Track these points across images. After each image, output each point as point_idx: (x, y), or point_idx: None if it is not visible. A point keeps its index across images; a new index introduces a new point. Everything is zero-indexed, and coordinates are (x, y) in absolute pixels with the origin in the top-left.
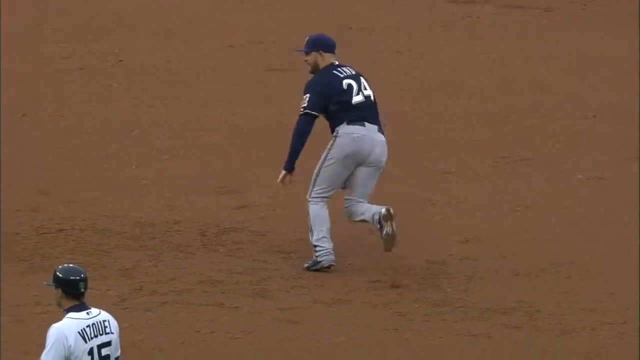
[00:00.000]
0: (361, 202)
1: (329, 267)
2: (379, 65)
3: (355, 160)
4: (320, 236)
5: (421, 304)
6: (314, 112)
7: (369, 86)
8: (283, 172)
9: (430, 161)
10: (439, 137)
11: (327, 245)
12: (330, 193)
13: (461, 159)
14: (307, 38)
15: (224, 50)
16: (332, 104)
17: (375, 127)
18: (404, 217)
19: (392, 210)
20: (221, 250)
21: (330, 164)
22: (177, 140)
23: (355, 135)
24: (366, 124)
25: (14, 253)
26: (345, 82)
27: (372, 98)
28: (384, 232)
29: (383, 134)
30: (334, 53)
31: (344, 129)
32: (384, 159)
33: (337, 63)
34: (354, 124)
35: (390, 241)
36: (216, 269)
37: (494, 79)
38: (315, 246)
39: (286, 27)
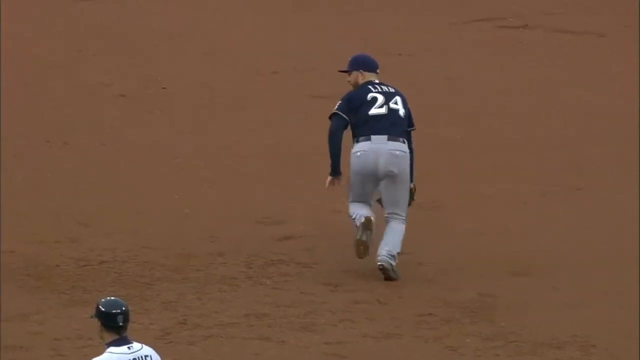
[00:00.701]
0: (389, 217)
1: (364, 221)
2: (428, 91)
3: (367, 177)
4: (351, 210)
5: (473, 338)
6: (341, 113)
7: (404, 105)
8: (329, 177)
9: (478, 189)
10: (488, 164)
11: (357, 209)
12: (364, 201)
13: (510, 186)
14: (350, 58)
15: (268, 76)
16: (352, 115)
17: (385, 137)
18: (453, 250)
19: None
20: (267, 282)
21: (351, 182)
22: (219, 167)
23: (358, 153)
24: (373, 137)
25: (54, 285)
26: (372, 94)
27: (399, 113)
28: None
29: (404, 142)
30: (375, 72)
31: (353, 148)
32: (393, 167)
33: (376, 81)
34: (362, 141)
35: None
36: (262, 301)
37: (543, 104)
38: (351, 217)
39: (331, 54)
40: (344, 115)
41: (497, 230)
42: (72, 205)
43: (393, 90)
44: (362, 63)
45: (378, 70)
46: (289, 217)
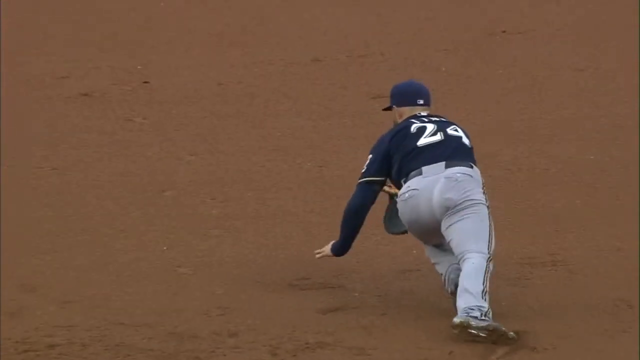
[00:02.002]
0: (462, 256)
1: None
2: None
3: (428, 225)
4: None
5: None
6: (371, 179)
7: (467, 136)
8: (329, 252)
9: None
10: None
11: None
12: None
13: None
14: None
15: (304, 66)
16: (394, 155)
17: (442, 164)
18: None
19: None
20: None
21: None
22: (231, 205)
23: (406, 195)
24: (425, 168)
25: None
26: (416, 125)
27: (462, 141)
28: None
29: (472, 166)
30: (415, 104)
31: (399, 193)
32: (452, 194)
33: (423, 113)
34: (412, 178)
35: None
36: None
37: None
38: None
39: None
40: (375, 178)
41: None
42: (12, 262)
43: (444, 120)
44: (397, 95)
45: (423, 101)
46: (336, 278)
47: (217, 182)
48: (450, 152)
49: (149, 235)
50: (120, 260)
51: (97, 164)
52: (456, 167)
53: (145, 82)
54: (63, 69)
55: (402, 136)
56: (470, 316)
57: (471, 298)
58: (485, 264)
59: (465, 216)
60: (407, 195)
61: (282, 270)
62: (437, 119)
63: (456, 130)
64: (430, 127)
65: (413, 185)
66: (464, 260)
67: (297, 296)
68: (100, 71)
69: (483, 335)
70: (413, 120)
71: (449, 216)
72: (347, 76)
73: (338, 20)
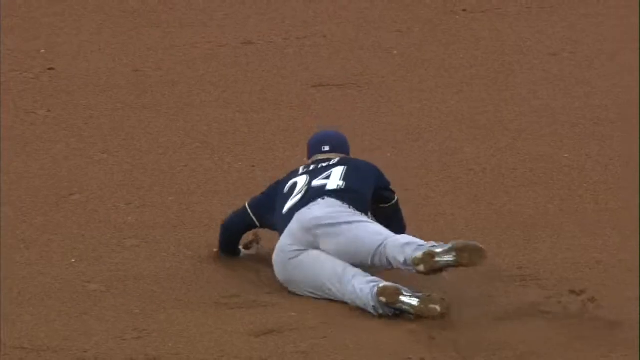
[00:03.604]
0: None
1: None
2: None
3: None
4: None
5: None
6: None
7: (357, 176)
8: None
9: None
10: None
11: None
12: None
13: None
14: None
15: (238, 49)
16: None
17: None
18: None
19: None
20: None
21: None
22: (149, 211)
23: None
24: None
25: None
26: (292, 182)
27: (325, 189)
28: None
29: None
30: (320, 152)
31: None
32: (317, 214)
33: (319, 158)
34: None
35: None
36: None
37: None
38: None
39: None
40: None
41: None
42: None
43: (335, 163)
44: (308, 147)
45: (328, 148)
46: (273, 295)
47: (132, 184)
48: (306, 203)
49: (53, 246)
50: (21, 275)
51: None
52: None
53: (50, 69)
54: None
55: (278, 190)
56: (431, 247)
57: (418, 242)
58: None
59: (346, 228)
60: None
61: (207, 287)
62: (324, 165)
63: (327, 178)
64: (301, 181)
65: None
66: (385, 246)
67: (225, 316)
68: None
69: (452, 259)
70: (300, 168)
71: (325, 234)
72: (284, 61)
73: None
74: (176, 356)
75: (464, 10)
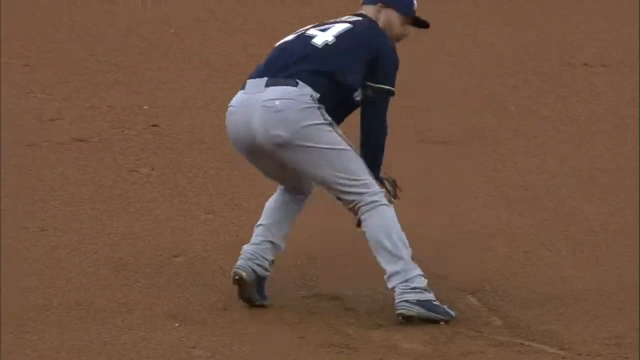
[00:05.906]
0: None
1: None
2: None
3: (248, 153)
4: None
5: None
6: None
7: (350, 34)
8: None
9: None
10: None
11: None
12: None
13: None
14: None
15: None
16: None
17: (264, 80)
18: None
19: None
20: None
21: None
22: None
23: (227, 113)
24: (249, 81)
25: None
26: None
27: (311, 41)
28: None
29: (296, 84)
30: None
31: None
32: (279, 130)
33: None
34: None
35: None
36: None
37: None
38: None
39: None
40: None
41: None
42: None
43: (347, 18)
44: None
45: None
46: None
47: (239, 246)
48: (285, 61)
49: (156, 310)
50: (121, 340)
51: (94, 224)
52: (277, 88)
53: (154, 126)
54: (52, 110)
55: None
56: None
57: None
58: (383, 214)
59: (300, 154)
60: (227, 113)
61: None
62: (333, 21)
63: (325, 31)
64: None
65: (233, 103)
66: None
67: None
68: (97, 111)
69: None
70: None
71: (280, 152)
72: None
73: None
74: None
75: (585, 64)
